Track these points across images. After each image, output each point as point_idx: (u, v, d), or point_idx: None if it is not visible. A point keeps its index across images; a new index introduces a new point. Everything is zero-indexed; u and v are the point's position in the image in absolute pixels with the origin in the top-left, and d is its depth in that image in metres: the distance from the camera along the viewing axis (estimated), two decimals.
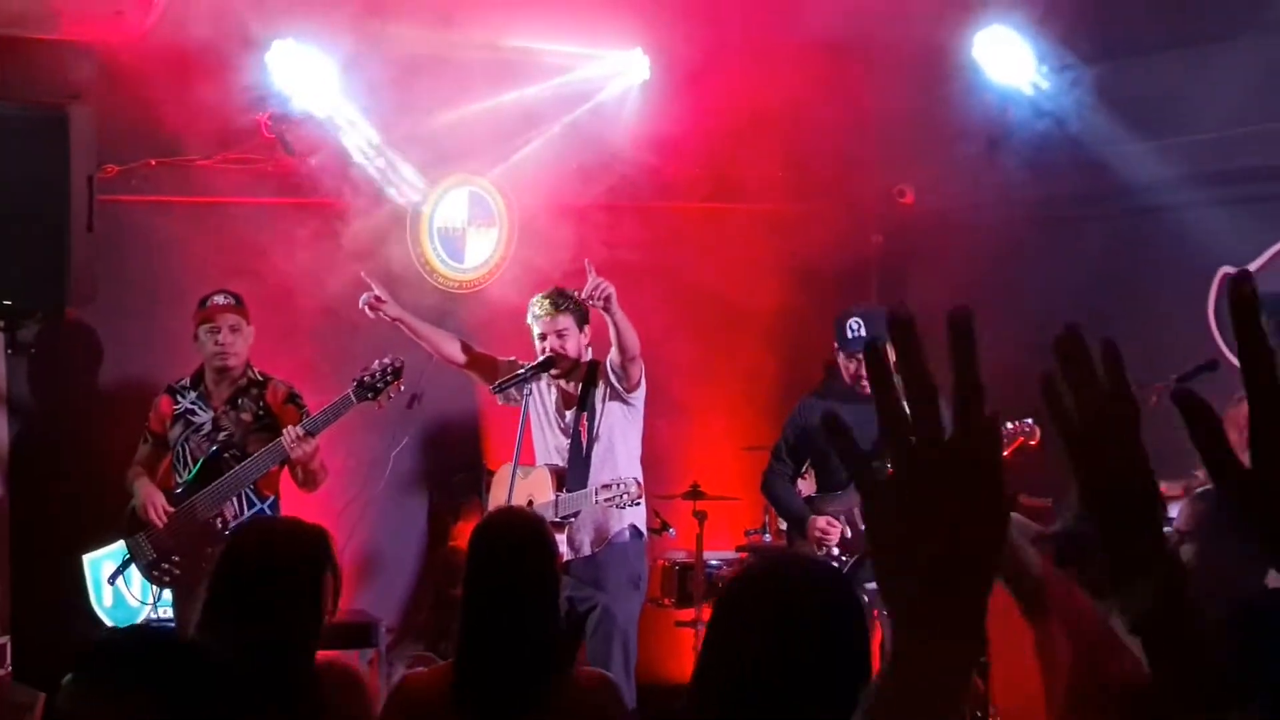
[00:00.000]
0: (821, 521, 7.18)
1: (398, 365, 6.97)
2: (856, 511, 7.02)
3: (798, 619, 2.76)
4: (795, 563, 2.94)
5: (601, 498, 6.98)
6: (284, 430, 6.92)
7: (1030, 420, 6.91)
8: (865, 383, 6.80)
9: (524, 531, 4.04)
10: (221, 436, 7.18)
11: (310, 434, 6.89)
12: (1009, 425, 6.90)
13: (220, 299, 7.23)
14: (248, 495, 7.14)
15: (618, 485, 6.99)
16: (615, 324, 7.06)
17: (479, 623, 3.90)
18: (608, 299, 6.98)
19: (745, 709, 2.74)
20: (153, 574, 7.16)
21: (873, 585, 7.09)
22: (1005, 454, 7.14)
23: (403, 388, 7.03)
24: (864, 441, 6.21)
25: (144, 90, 7.58)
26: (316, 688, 4.02)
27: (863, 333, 7.03)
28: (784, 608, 2.79)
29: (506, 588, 3.89)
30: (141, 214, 8.15)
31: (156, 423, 7.34)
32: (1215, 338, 8.21)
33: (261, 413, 7.21)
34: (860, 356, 7.00)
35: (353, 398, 6.92)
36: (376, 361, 6.97)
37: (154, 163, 8.11)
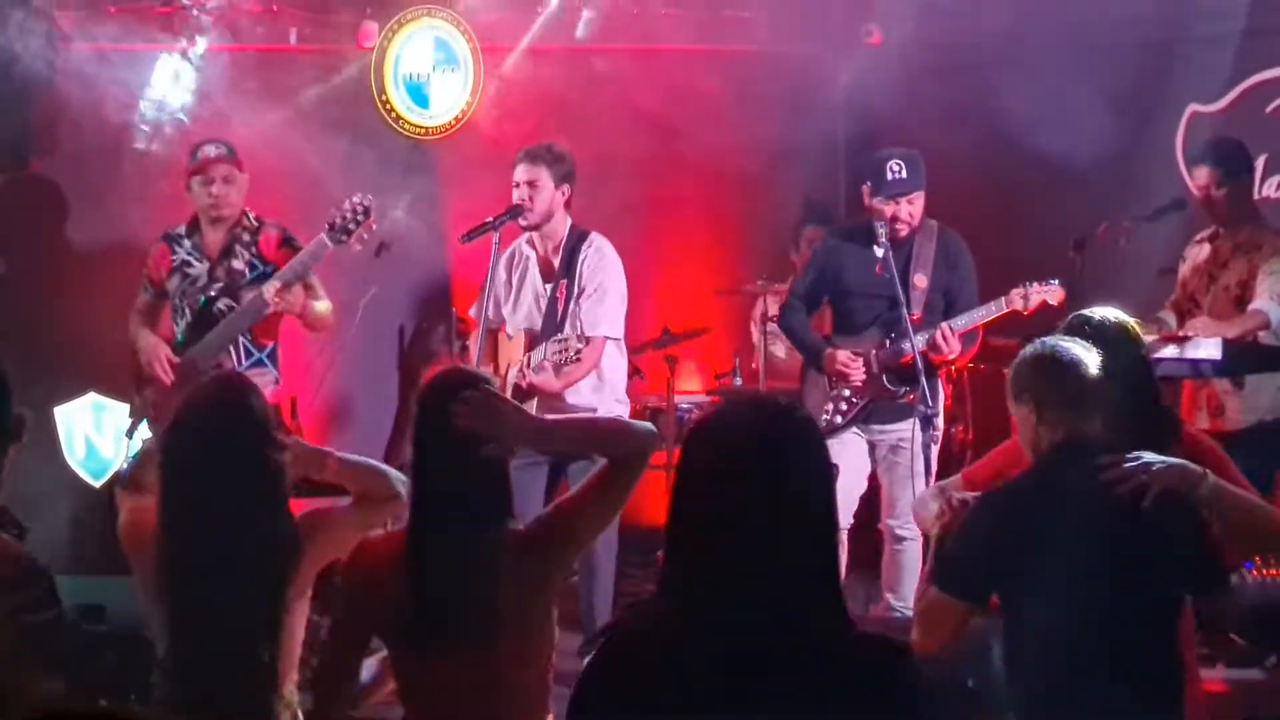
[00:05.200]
0: (843, 355, 7.04)
1: (367, 204, 6.87)
2: (874, 354, 7.04)
3: (762, 458, 2.79)
4: (760, 403, 2.96)
5: (550, 351, 6.64)
6: (264, 287, 6.86)
7: (1056, 281, 6.83)
8: (900, 225, 6.84)
9: (460, 387, 4.00)
10: (214, 289, 7.10)
11: (288, 285, 6.84)
12: (1033, 285, 6.81)
13: (212, 150, 7.08)
14: (245, 345, 7.08)
15: (563, 341, 6.58)
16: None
17: (421, 476, 3.93)
18: None
19: (714, 551, 2.77)
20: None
21: (880, 428, 7.12)
22: (1028, 312, 7.02)
23: (375, 226, 6.96)
24: (889, 283, 6.22)
25: None
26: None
27: (904, 175, 6.94)
28: (747, 447, 2.81)
29: (440, 447, 3.88)
30: (102, 64, 8.02)
31: (154, 271, 7.20)
32: (1183, 176, 8.19)
33: (255, 261, 7.12)
34: (900, 200, 6.96)
35: (327, 241, 6.82)
36: (347, 201, 6.87)
37: (113, 10, 7.97)
